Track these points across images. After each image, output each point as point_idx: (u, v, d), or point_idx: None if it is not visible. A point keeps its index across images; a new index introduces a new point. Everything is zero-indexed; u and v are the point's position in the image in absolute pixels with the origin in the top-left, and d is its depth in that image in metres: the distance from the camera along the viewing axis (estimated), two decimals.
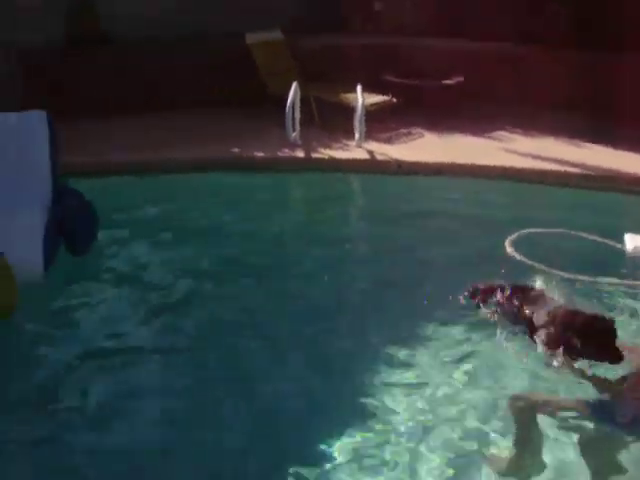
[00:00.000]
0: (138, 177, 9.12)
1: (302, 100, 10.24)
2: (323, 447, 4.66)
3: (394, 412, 5.02)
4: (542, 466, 4.43)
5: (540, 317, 4.92)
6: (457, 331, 5.92)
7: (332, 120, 10.70)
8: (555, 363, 4.72)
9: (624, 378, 4.47)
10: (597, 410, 4.50)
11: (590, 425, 4.61)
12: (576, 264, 6.92)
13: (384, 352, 5.70)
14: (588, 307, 5.27)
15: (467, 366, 5.50)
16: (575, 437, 4.60)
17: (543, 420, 4.61)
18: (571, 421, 4.66)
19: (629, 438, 4.51)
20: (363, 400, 5.14)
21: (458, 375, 5.41)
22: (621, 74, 11.34)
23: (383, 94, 11.08)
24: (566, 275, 6.64)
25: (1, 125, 6.92)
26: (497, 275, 6.11)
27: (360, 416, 4.95)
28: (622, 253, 7.57)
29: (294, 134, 10.07)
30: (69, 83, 10.75)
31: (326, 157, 9.92)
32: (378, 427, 4.87)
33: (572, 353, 4.60)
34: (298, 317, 6.30)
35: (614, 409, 4.46)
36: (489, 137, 10.90)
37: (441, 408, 5.07)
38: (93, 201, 7.18)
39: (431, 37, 12.28)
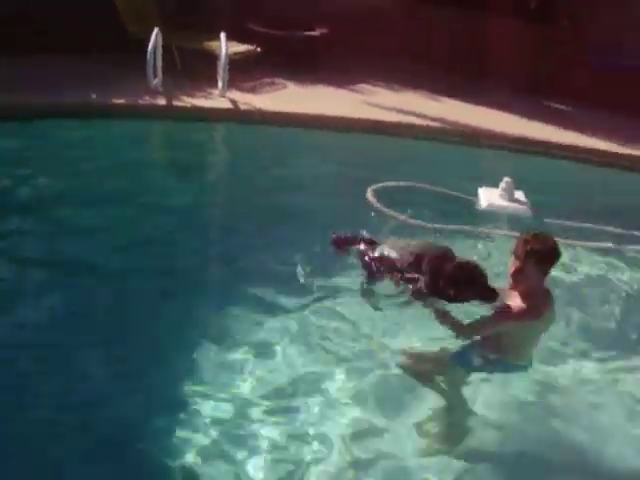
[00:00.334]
0: None
1: (165, 47, 9.85)
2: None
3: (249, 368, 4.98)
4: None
5: (404, 261, 4.90)
6: (318, 280, 5.83)
7: (195, 68, 10.37)
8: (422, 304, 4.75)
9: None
10: (457, 356, 4.62)
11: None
12: (433, 216, 7.08)
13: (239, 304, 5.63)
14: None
15: (333, 319, 5.49)
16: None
17: None
18: None
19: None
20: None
21: (327, 328, 5.40)
22: (480, 32, 11.57)
23: (247, 43, 10.85)
24: (423, 224, 6.78)
25: None
26: (359, 226, 6.00)
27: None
28: (476, 204, 7.81)
29: (155, 81, 9.70)
30: None
31: (188, 105, 9.62)
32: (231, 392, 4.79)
33: (447, 300, 4.63)
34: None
35: (472, 352, 4.57)
36: (352, 90, 10.91)
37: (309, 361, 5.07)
38: None
39: None
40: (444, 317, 4.48)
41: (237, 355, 5.06)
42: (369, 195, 7.50)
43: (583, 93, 10.83)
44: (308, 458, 4.29)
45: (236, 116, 9.61)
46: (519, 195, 7.84)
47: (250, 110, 9.67)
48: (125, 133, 8.92)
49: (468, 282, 4.54)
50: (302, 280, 5.66)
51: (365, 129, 9.52)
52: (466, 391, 4.68)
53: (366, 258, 5.18)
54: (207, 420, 4.48)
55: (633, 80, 10.76)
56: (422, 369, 4.81)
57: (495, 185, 7.87)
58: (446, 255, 4.81)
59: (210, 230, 7.09)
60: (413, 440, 4.48)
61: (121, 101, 9.41)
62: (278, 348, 5.16)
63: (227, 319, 5.47)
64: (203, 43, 10.52)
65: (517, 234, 4.88)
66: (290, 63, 10.88)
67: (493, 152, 9.46)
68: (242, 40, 10.78)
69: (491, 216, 7.60)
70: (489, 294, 4.53)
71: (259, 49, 10.81)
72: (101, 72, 9.92)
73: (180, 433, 4.37)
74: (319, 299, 5.67)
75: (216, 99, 9.84)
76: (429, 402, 4.68)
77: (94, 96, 9.36)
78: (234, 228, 6.88)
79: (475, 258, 5.49)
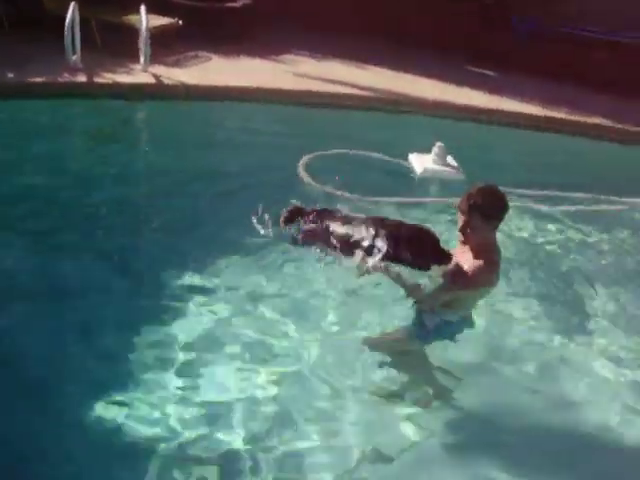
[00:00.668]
0: None
1: (83, 22, 9.36)
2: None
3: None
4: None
5: (358, 233, 4.68)
6: (264, 256, 5.68)
7: (115, 43, 9.87)
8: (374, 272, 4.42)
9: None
10: (415, 330, 4.44)
11: None
12: (367, 184, 6.89)
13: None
14: None
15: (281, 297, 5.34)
16: None
17: None
18: None
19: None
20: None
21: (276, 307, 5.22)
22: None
23: (168, 16, 10.42)
24: (353, 197, 6.58)
25: None
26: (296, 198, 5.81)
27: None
28: (410, 170, 7.69)
29: (74, 57, 9.22)
30: None
31: (110, 82, 9.17)
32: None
33: (404, 264, 4.40)
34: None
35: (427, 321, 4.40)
36: (277, 60, 10.66)
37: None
38: None
39: None
40: (405, 283, 4.32)
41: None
42: (300, 169, 7.30)
43: (505, 58, 10.90)
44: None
45: (160, 91, 9.23)
46: (450, 159, 7.79)
47: (174, 84, 9.30)
48: (45, 112, 8.44)
49: (424, 244, 4.30)
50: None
51: (291, 99, 9.29)
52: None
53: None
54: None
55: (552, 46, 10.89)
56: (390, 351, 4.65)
57: (425, 151, 7.80)
58: (401, 223, 4.65)
59: (138, 210, 6.68)
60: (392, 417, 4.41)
61: (40, 79, 8.88)
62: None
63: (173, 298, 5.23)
64: (122, 17, 10.09)
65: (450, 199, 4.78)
66: (212, 35, 10.52)
67: (418, 118, 9.41)
68: (162, 13, 10.34)
69: (423, 182, 7.52)
70: (444, 258, 4.29)
71: (180, 22, 10.42)
72: (16, 50, 9.34)
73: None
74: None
75: (138, 74, 9.43)
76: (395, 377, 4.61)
77: (11, 75, 8.84)
78: (165, 206, 6.56)
79: None
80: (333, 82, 9.85)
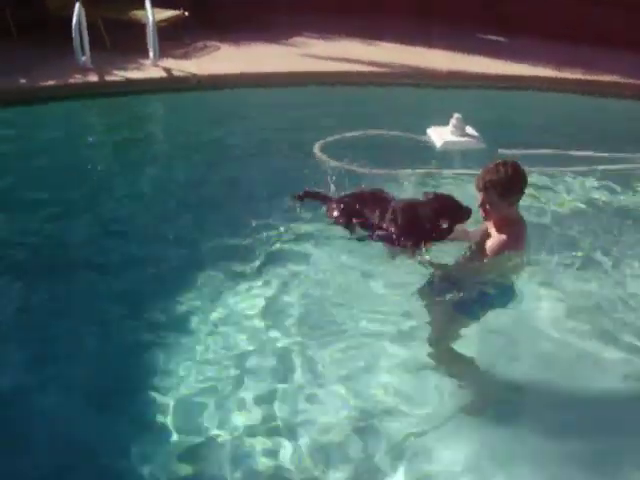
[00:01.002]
0: None
1: (89, 21, 9.18)
2: None
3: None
4: None
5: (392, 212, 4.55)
6: (299, 238, 5.49)
7: (124, 40, 9.73)
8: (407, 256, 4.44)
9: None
10: (459, 307, 4.33)
11: None
12: (389, 162, 6.63)
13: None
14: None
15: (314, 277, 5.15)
16: None
17: None
18: None
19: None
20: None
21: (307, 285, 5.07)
22: None
23: (174, 8, 10.21)
24: (377, 171, 6.37)
25: None
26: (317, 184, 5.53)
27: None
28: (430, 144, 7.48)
29: (84, 58, 9.06)
30: None
31: (122, 79, 9.00)
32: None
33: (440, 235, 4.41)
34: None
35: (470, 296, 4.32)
36: (288, 44, 10.46)
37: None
38: None
39: None
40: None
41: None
42: (316, 150, 7.09)
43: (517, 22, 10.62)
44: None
45: (172, 83, 9.09)
46: (469, 130, 7.57)
47: (186, 76, 9.14)
48: (62, 114, 8.31)
49: (446, 210, 4.38)
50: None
51: (307, 81, 9.08)
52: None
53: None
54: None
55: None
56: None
57: (443, 123, 7.59)
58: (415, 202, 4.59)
59: (165, 202, 6.41)
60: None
61: (52, 82, 8.73)
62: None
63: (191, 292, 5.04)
64: (128, 13, 9.91)
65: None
66: (219, 24, 10.33)
67: (434, 90, 9.20)
68: (168, 5, 10.13)
69: (446, 154, 7.30)
70: (465, 214, 4.41)
71: (186, 13, 10.22)
72: (23, 55, 9.19)
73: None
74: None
75: (149, 69, 9.27)
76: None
77: (23, 81, 8.72)
78: (188, 201, 6.33)
79: None
80: (346, 60, 9.67)
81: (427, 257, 4.38)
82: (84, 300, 4.93)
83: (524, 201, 4.35)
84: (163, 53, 9.43)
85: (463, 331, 4.37)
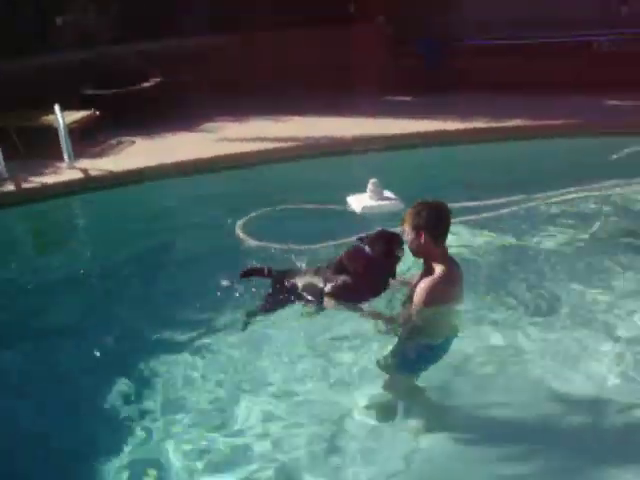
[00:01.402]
0: None
1: (1, 131, 9.08)
2: None
3: None
4: None
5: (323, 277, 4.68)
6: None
7: (38, 146, 9.51)
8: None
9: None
10: (400, 366, 4.40)
11: None
12: (311, 234, 6.63)
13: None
14: None
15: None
16: None
17: None
18: None
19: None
20: None
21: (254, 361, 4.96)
22: (310, 45, 11.57)
23: (85, 109, 10.19)
24: (293, 246, 6.30)
25: None
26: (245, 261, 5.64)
27: None
28: (349, 213, 7.52)
29: None
30: None
31: (38, 185, 8.81)
32: None
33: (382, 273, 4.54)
34: None
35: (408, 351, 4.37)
36: (202, 130, 10.55)
37: None
38: None
39: (125, 43, 11.58)
40: (376, 315, 4.40)
41: None
42: (238, 230, 7.05)
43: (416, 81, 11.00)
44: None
45: (89, 183, 8.91)
46: (387, 193, 7.66)
47: (103, 174, 9.01)
48: None
49: (392, 242, 4.51)
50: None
51: (222, 165, 9.13)
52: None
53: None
54: None
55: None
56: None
57: (362, 189, 7.67)
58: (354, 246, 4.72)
59: (92, 298, 6.30)
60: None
61: None
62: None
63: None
64: (40, 119, 9.80)
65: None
66: (132, 119, 10.27)
67: (351, 158, 9.31)
68: (78, 107, 10.13)
69: (367, 218, 7.35)
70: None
71: (97, 112, 10.18)
72: None
73: None
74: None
75: (65, 172, 9.11)
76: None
77: None
78: (117, 293, 6.23)
79: None
80: (260, 139, 9.74)
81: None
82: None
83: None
84: (78, 154, 9.31)
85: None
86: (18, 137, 9.67)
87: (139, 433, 4.35)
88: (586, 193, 7.49)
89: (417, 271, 4.50)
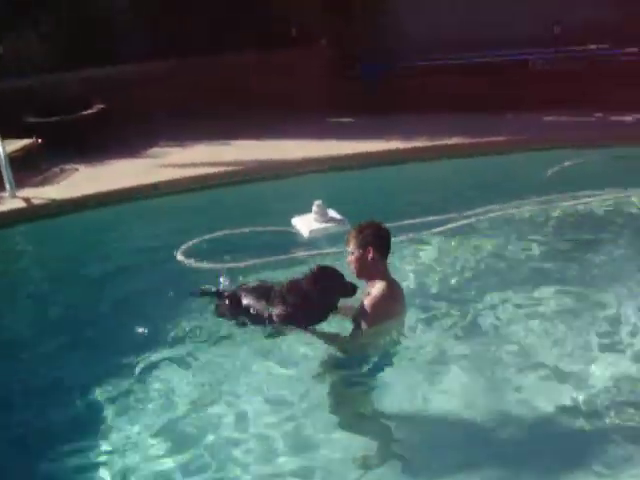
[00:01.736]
0: None
1: None
2: None
3: None
4: None
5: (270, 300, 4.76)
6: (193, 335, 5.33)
7: None
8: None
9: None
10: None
11: None
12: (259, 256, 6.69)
13: None
14: None
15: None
16: None
17: None
18: None
19: None
20: None
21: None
22: (251, 70, 11.61)
23: (27, 137, 10.00)
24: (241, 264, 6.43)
25: None
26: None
27: None
28: (294, 234, 7.51)
29: None
30: None
31: None
32: None
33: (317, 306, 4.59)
34: None
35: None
36: (145, 156, 10.45)
37: None
38: None
39: (67, 70, 11.48)
40: (327, 337, 4.52)
41: None
42: (179, 256, 7.00)
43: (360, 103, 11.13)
44: None
45: (32, 213, 8.72)
46: (332, 213, 7.71)
47: (45, 203, 8.83)
48: None
49: (330, 280, 4.59)
50: None
51: (165, 191, 9.04)
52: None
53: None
54: None
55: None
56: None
57: (307, 211, 7.70)
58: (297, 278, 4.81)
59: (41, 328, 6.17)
60: None
61: None
62: None
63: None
64: None
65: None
66: (75, 146, 10.16)
67: (295, 180, 9.33)
68: (20, 136, 9.93)
69: (314, 238, 7.38)
70: (350, 288, 4.59)
71: (39, 140, 10.02)
72: None
73: None
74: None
75: (7, 201, 8.92)
76: None
77: None
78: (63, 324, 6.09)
79: None
80: (202, 165, 9.69)
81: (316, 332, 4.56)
82: None
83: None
84: (21, 183, 9.14)
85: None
86: None
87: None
88: (522, 208, 7.66)
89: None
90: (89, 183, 9.37)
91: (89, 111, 10.87)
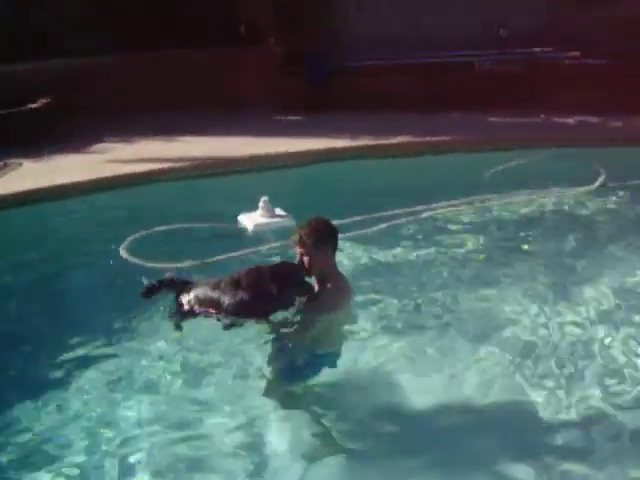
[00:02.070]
0: None
1: None
2: None
3: None
4: None
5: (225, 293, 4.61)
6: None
7: None
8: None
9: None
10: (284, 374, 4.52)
11: None
12: (205, 252, 6.59)
13: None
14: None
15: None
16: None
17: None
18: None
19: None
20: None
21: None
22: (201, 66, 11.57)
23: None
24: (179, 265, 6.30)
25: None
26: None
27: None
28: (240, 231, 7.50)
29: None
30: None
31: None
32: None
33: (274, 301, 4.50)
34: None
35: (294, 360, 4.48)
36: (91, 152, 10.31)
37: None
38: None
39: (11, 63, 11.27)
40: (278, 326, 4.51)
41: None
42: (122, 251, 6.87)
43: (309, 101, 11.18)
44: None
45: None
46: (278, 210, 7.73)
47: None
48: None
49: (288, 277, 4.51)
50: None
51: (108, 186, 8.91)
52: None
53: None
54: None
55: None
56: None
57: (253, 208, 7.70)
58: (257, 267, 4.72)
59: None
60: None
61: None
62: None
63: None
64: None
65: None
66: (18, 141, 9.94)
67: (241, 177, 9.32)
68: None
69: (260, 235, 7.37)
70: (309, 287, 4.55)
71: None
72: None
73: None
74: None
75: None
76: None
77: None
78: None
79: None
80: (147, 160, 9.59)
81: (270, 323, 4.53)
82: None
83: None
84: None
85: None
86: None
87: None
88: (463, 206, 7.78)
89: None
90: (33, 178, 9.19)
91: (34, 105, 10.68)
